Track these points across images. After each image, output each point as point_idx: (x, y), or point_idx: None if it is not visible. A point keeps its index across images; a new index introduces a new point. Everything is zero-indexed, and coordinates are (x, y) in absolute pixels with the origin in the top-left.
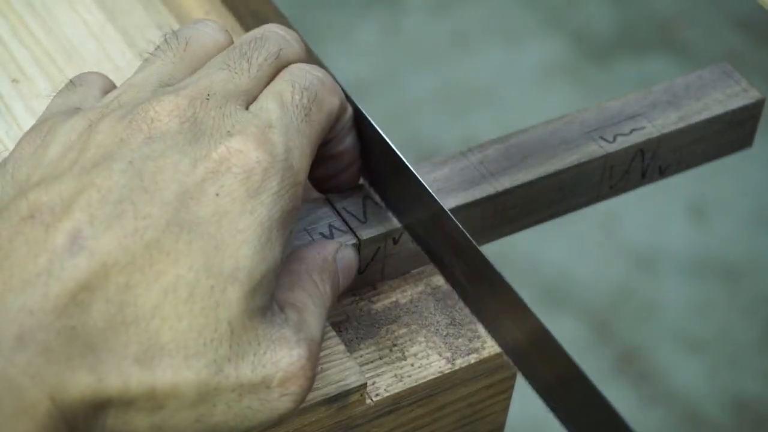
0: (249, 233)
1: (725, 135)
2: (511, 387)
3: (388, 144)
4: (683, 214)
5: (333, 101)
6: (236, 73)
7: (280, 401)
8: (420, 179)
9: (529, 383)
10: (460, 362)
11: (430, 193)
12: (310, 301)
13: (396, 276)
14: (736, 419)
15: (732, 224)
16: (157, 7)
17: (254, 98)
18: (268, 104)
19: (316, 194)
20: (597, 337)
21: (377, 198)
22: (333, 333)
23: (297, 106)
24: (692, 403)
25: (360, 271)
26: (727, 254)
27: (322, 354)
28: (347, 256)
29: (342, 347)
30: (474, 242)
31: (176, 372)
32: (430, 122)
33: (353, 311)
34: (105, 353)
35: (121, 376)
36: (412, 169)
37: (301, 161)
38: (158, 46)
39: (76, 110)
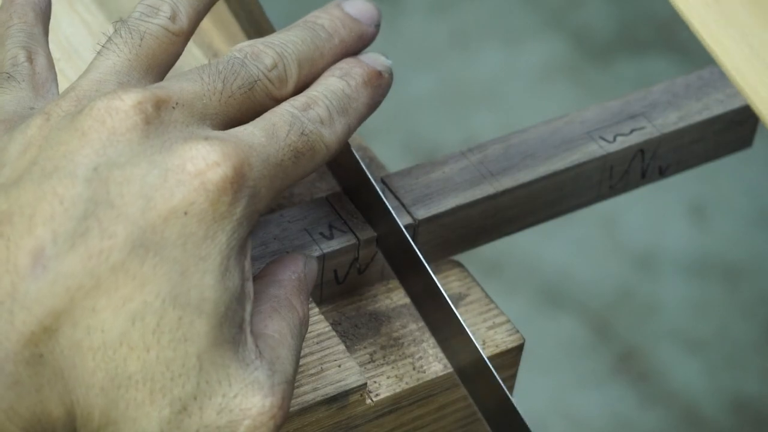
0: (210, 261)
1: (725, 135)
2: (511, 387)
3: (353, 154)
4: (683, 214)
5: (329, 152)
6: (208, 91)
7: None
8: (378, 191)
9: (475, 405)
10: None
11: (386, 206)
12: (288, 332)
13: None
14: (736, 419)
15: (732, 224)
16: None
17: (220, 125)
18: (255, 130)
19: (316, 194)
20: (597, 337)
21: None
22: (333, 333)
23: (289, 146)
24: (692, 402)
25: (360, 271)
26: (727, 254)
27: (322, 354)
28: (313, 269)
29: (342, 347)
30: (425, 262)
31: (140, 406)
32: (430, 122)
33: (353, 311)
34: (72, 381)
35: (87, 406)
36: (372, 180)
37: (269, 193)
38: (109, 38)
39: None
